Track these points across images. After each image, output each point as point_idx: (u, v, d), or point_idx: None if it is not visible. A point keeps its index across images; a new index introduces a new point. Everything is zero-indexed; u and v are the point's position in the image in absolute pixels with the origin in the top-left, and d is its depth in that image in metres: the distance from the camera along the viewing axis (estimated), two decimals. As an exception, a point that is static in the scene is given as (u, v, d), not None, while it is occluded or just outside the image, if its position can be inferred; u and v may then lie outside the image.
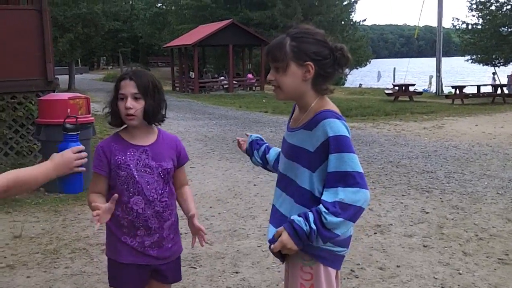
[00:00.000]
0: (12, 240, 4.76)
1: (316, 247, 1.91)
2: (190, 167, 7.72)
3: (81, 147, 1.88)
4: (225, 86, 28.37)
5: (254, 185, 6.80)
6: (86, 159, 1.88)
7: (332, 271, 1.98)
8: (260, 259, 4.25)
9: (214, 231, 4.98)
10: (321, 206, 1.84)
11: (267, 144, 2.50)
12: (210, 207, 5.80)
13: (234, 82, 28.46)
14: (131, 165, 2.14)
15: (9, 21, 8.13)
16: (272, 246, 1.90)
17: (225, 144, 10.34)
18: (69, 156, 1.81)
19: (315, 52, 1.91)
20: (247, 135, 2.57)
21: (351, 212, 1.83)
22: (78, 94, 6.91)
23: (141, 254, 2.21)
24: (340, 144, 1.84)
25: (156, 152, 2.20)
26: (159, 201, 2.18)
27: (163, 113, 2.25)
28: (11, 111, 8.14)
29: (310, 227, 1.82)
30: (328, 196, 1.84)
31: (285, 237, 1.86)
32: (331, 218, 1.80)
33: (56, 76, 8.60)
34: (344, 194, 1.81)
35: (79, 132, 1.93)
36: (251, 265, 4.13)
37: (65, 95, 6.72)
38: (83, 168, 1.87)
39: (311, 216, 1.84)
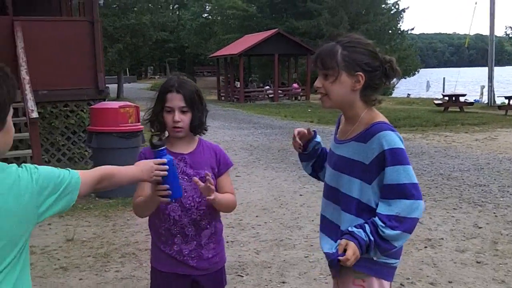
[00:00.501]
0: (65, 243, 4.92)
1: (369, 260, 1.89)
2: (236, 176, 7.76)
3: (163, 160, 1.94)
4: (270, 96, 28.45)
5: (300, 195, 6.76)
6: (166, 172, 1.93)
7: (386, 284, 1.94)
8: (307, 270, 4.21)
9: (261, 240, 4.97)
10: (377, 219, 1.85)
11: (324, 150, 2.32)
12: (256, 216, 5.80)
13: (279, 91, 28.49)
14: None
15: (62, 32, 8.47)
16: (344, 258, 1.82)
17: (270, 153, 10.34)
18: (150, 165, 1.91)
19: (367, 63, 1.91)
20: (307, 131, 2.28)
21: (408, 225, 1.84)
22: (128, 103, 7.09)
23: (180, 263, 2.19)
24: (396, 157, 1.84)
25: (195, 160, 2.20)
26: (196, 209, 2.17)
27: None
28: (64, 118, 8.46)
29: (369, 238, 1.84)
30: (383, 208, 1.85)
31: (353, 247, 1.82)
32: (388, 232, 1.82)
33: (106, 85, 8.87)
34: (400, 207, 1.82)
35: (165, 146, 2.00)
36: (298, 276, 4.10)
37: (115, 104, 6.90)
38: (158, 178, 1.93)
39: (367, 228, 1.85)
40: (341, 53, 1.91)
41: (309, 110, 21.45)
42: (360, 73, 1.90)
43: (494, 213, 5.83)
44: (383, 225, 1.82)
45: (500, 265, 4.28)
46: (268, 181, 7.67)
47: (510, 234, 5.08)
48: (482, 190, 6.94)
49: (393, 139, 1.86)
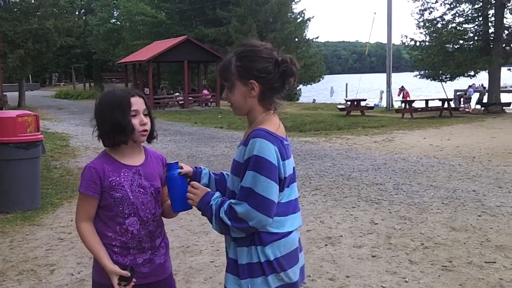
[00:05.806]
0: (-44, 263, 4.60)
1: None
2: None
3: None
4: (180, 102, 28.29)
5: (208, 200, 6.81)
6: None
7: None
8: (213, 274, 4.27)
9: (167, 248, 4.96)
10: (228, 202, 1.95)
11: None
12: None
13: (190, 98, 28.43)
14: (126, 186, 2.12)
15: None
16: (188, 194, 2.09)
17: (179, 160, 10.27)
18: None
19: (259, 70, 1.96)
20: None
21: (241, 226, 1.91)
22: (27, 112, 6.78)
23: None
24: (257, 164, 1.88)
25: (147, 171, 2.20)
26: (153, 220, 2.18)
27: None
28: (-44, 129, 7.87)
29: (214, 204, 1.98)
30: (235, 202, 1.93)
31: (199, 190, 2.08)
32: (222, 216, 1.93)
33: (4, 93, 8.41)
34: (243, 209, 1.89)
35: (177, 161, 2.14)
36: (203, 281, 4.15)
37: (13, 113, 6.59)
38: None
39: (224, 203, 1.96)
40: (235, 64, 1.99)
41: (219, 116, 21.61)
42: (253, 81, 1.97)
43: (389, 209, 6.25)
44: (226, 210, 1.92)
45: (393, 258, 4.61)
46: (177, 188, 7.63)
47: (402, 228, 5.48)
48: (379, 188, 7.41)
49: (264, 147, 1.89)
